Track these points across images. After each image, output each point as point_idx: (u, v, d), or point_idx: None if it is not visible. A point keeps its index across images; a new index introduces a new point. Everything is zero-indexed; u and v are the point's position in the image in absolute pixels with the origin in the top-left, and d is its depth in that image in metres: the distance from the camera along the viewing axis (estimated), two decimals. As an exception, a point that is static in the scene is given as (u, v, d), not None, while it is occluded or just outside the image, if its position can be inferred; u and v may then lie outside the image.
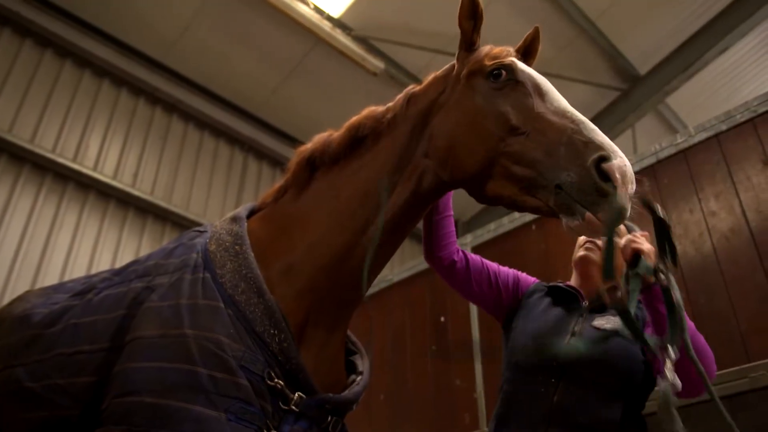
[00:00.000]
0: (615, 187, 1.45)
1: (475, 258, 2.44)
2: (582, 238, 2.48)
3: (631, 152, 8.71)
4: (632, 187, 1.49)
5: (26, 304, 1.87)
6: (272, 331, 1.61)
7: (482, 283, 2.41)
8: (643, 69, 8.63)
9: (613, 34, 8.18)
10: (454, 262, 2.36)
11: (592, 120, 6.21)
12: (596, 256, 2.38)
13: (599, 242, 2.39)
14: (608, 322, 2.22)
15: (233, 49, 7.54)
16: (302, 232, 1.79)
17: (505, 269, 2.51)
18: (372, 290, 5.18)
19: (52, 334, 1.71)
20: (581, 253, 2.43)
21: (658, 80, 8.48)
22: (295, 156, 1.98)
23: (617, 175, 1.45)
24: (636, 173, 3.90)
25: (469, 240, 4.64)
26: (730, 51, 8.43)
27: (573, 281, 2.47)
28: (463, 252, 2.41)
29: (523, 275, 2.53)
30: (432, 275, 4.89)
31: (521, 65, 1.85)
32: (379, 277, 5.29)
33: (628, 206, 1.48)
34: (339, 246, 1.76)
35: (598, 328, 2.20)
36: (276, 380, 1.58)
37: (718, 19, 8.05)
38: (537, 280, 2.53)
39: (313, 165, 1.92)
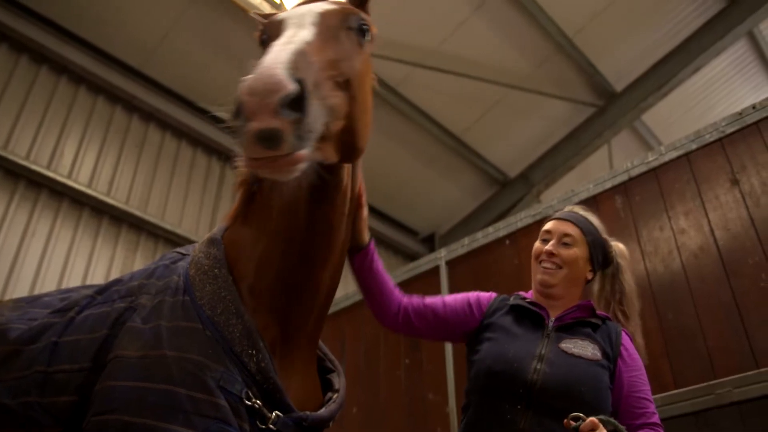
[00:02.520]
0: (242, 116, 1.24)
1: (416, 306, 2.39)
2: (535, 250, 2.46)
3: (607, 168, 8.84)
4: (263, 100, 1.21)
5: None
6: (250, 351, 1.62)
7: (429, 326, 2.39)
8: (619, 86, 8.77)
9: (590, 51, 8.30)
10: (398, 320, 2.36)
11: (570, 135, 6.28)
12: (555, 278, 2.37)
13: (557, 260, 2.38)
14: (575, 346, 2.21)
15: (212, 58, 7.52)
16: (252, 254, 1.79)
17: (451, 300, 2.45)
18: (345, 303, 5.22)
19: (32, 351, 1.70)
20: (539, 276, 2.41)
21: (634, 97, 8.63)
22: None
23: (243, 99, 1.23)
24: (609, 190, 3.97)
25: (443, 254, 4.67)
26: (703, 70, 8.62)
27: (534, 297, 2.45)
28: (405, 304, 2.38)
29: (474, 295, 2.48)
30: (406, 288, 4.88)
31: (277, 17, 1.65)
32: (353, 290, 5.24)
33: (258, 124, 1.22)
34: (278, 265, 1.75)
35: (565, 352, 2.19)
36: (254, 400, 1.58)
37: (692, 40, 8.24)
38: (495, 295, 2.50)
39: (249, 184, 1.90)
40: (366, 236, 2.28)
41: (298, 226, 1.74)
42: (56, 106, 6.81)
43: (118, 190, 6.98)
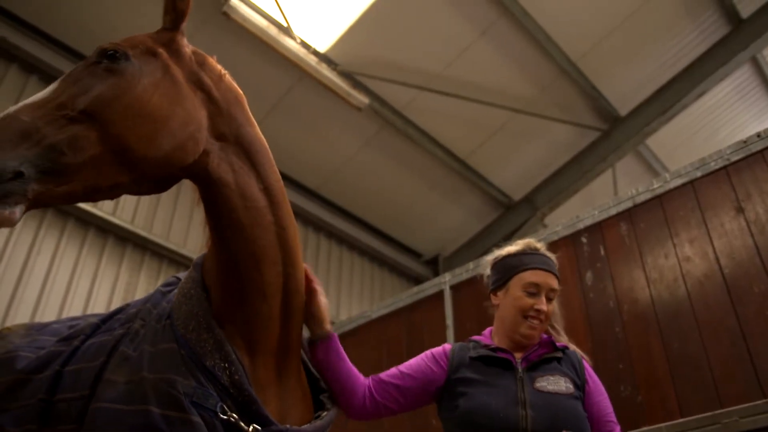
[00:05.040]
0: None
1: (375, 383, 2.33)
2: (524, 304, 2.39)
3: (611, 191, 8.86)
4: None
5: (9, 345, 1.89)
6: (223, 365, 1.65)
7: (394, 399, 2.33)
8: (623, 110, 8.81)
9: (594, 76, 8.36)
10: (365, 405, 2.26)
11: (574, 159, 6.34)
12: (538, 332, 2.38)
13: (543, 317, 2.37)
14: (549, 382, 2.23)
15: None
16: (211, 273, 1.84)
17: (406, 368, 2.40)
18: (348, 327, 5.21)
19: (38, 380, 1.74)
20: (525, 331, 2.37)
21: (638, 122, 8.65)
22: None
23: None
24: (614, 217, 3.98)
25: (447, 279, 4.66)
26: (707, 95, 8.67)
27: (499, 340, 2.45)
28: (367, 386, 2.30)
29: (429, 353, 2.43)
30: (410, 313, 4.89)
31: None
32: (357, 313, 5.18)
33: None
34: (222, 277, 1.79)
35: (542, 391, 2.21)
36: (229, 414, 1.61)
37: (696, 65, 8.29)
38: (449, 347, 2.47)
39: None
40: (327, 326, 2.19)
41: (216, 237, 1.79)
42: (64, 125, 6.85)
43: (123, 210, 7.01)
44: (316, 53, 7.27)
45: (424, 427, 4.29)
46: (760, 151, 3.39)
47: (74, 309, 6.21)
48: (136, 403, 1.54)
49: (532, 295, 2.39)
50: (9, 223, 1.33)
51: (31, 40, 6.69)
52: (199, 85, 1.77)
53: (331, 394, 2.14)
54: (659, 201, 3.71)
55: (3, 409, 1.71)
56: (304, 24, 7.07)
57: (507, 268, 2.50)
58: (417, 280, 9.48)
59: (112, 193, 1.56)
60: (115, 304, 6.11)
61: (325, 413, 1.90)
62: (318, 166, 8.59)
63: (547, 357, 2.34)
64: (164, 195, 7.39)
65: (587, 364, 2.40)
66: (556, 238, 4.04)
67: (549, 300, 2.41)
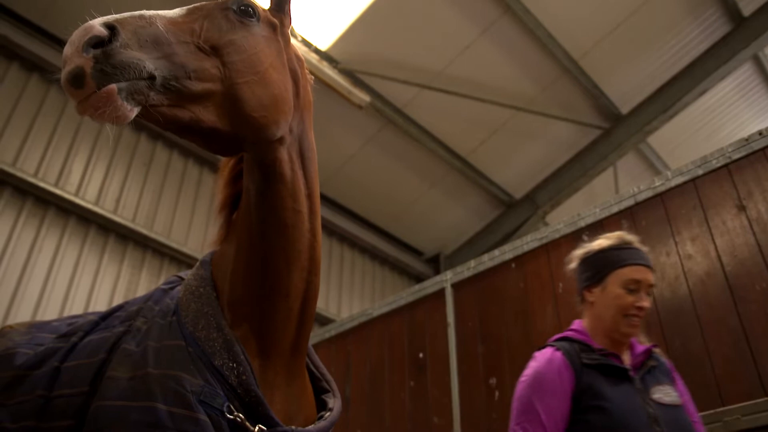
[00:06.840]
0: None
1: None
2: (624, 302, 2.37)
3: (613, 190, 8.85)
4: (72, 45, 1.30)
5: (8, 342, 1.88)
6: (231, 365, 1.64)
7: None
8: (624, 109, 8.80)
9: (596, 74, 8.35)
10: None
11: (575, 157, 6.33)
12: (638, 330, 2.39)
13: (643, 313, 2.38)
14: (664, 394, 2.23)
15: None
16: (226, 269, 1.82)
17: (548, 405, 2.25)
18: (351, 324, 5.21)
19: (36, 376, 1.73)
20: (626, 330, 2.36)
21: (640, 120, 8.64)
22: None
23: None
24: (615, 215, 3.97)
25: (449, 277, 4.66)
26: (708, 93, 8.65)
27: (598, 339, 2.42)
28: None
29: (556, 379, 2.30)
30: (412, 311, 4.89)
31: None
32: (358, 311, 5.18)
33: (66, 67, 1.30)
34: (244, 274, 1.77)
35: (660, 403, 2.21)
36: (236, 414, 1.59)
37: (697, 63, 8.28)
38: (560, 356, 2.34)
39: (228, 206, 1.93)
40: None
41: (253, 231, 1.76)
42: (65, 124, 6.86)
43: (124, 208, 7.01)
44: (317, 51, 7.26)
45: (425, 424, 4.30)
46: (762, 149, 3.39)
47: (75, 307, 6.21)
48: (141, 399, 1.53)
49: (632, 291, 2.36)
50: (124, 119, 1.32)
51: (32, 38, 6.69)
52: (294, 77, 1.81)
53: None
54: (661, 199, 3.71)
55: (1, 404, 1.70)
56: (305, 22, 7.07)
57: (603, 264, 2.45)
58: (418, 278, 9.48)
59: (204, 138, 1.58)
60: (117, 303, 6.10)
61: (327, 413, 1.90)
62: (319, 165, 8.51)
63: (650, 365, 2.33)
64: (165, 193, 7.43)
65: (670, 364, 2.39)
66: (557, 236, 4.03)
67: (647, 296, 2.38)
